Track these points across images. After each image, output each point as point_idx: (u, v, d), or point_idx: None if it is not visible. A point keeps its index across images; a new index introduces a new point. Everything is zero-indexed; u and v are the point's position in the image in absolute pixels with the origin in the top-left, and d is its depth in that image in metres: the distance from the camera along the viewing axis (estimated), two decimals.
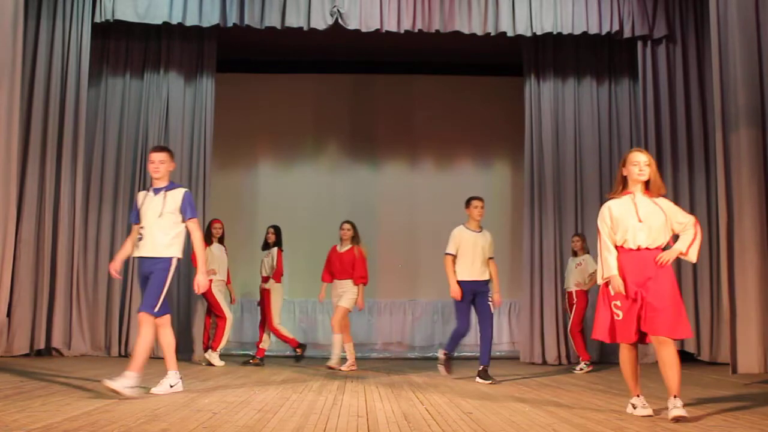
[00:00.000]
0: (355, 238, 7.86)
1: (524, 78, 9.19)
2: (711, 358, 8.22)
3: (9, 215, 7.02)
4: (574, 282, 7.99)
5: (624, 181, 4.46)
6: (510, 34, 8.42)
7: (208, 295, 7.97)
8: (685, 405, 4.09)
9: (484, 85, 10.52)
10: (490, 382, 6.24)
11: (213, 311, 8.06)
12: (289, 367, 7.67)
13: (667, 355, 4.16)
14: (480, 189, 10.49)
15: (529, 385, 6.09)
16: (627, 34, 8.59)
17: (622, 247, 4.36)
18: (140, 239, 5.17)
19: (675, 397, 4.07)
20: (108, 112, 8.87)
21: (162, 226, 5.17)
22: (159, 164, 5.29)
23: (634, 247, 4.31)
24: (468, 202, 6.74)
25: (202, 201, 8.77)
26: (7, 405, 4.36)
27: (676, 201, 8.70)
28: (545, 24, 8.42)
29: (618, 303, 4.28)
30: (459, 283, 6.56)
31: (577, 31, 8.52)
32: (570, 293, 8.06)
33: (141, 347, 4.98)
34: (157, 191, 5.30)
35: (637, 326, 4.22)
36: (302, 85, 10.53)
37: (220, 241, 8.15)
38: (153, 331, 5.05)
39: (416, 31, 8.34)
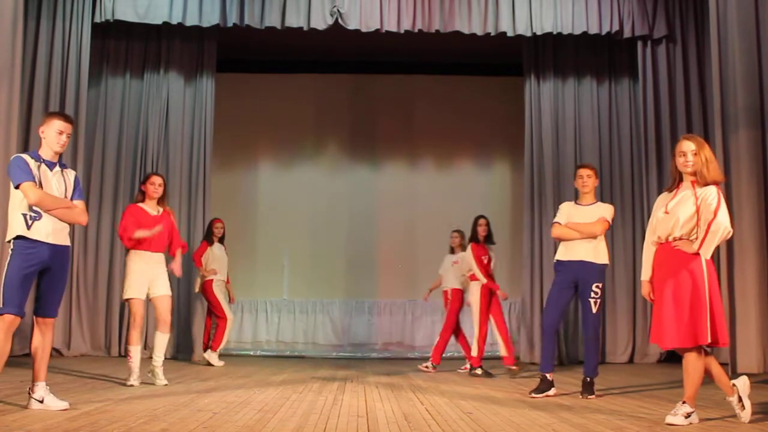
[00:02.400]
0: (165, 197, 6.10)
1: (524, 78, 9.18)
2: None
3: None
4: (449, 281, 7.88)
5: (680, 174, 4.17)
6: (510, 34, 8.41)
7: (208, 295, 7.97)
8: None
9: (484, 85, 10.52)
10: (593, 396, 5.29)
11: (213, 311, 8.06)
12: (289, 367, 7.67)
13: (684, 362, 4.07)
14: (480, 189, 10.58)
15: (529, 385, 6.08)
16: (627, 34, 8.58)
17: (657, 241, 4.19)
18: (36, 219, 4.21)
19: (683, 402, 4.02)
20: (108, 112, 8.86)
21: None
22: (67, 137, 4.38)
23: (662, 240, 4.13)
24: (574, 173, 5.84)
25: (202, 201, 8.78)
26: (7, 405, 4.36)
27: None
28: (545, 24, 8.41)
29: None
30: (557, 263, 5.57)
31: (577, 31, 8.51)
32: (445, 292, 7.94)
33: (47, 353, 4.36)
34: (51, 165, 4.35)
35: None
36: (302, 85, 10.53)
37: (221, 240, 8.15)
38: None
39: (416, 31, 8.33)
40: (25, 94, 8.06)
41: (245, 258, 9.34)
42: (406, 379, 6.68)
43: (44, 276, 4.27)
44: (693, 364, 4.02)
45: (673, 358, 8.53)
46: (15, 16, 6.99)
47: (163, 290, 5.88)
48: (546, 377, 5.45)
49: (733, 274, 6.92)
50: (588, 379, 5.39)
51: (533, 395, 5.36)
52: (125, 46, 8.97)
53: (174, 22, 8.30)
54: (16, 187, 4.23)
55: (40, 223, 4.20)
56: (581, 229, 5.45)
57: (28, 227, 4.18)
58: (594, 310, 5.41)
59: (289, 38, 8.91)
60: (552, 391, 5.42)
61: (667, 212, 4.13)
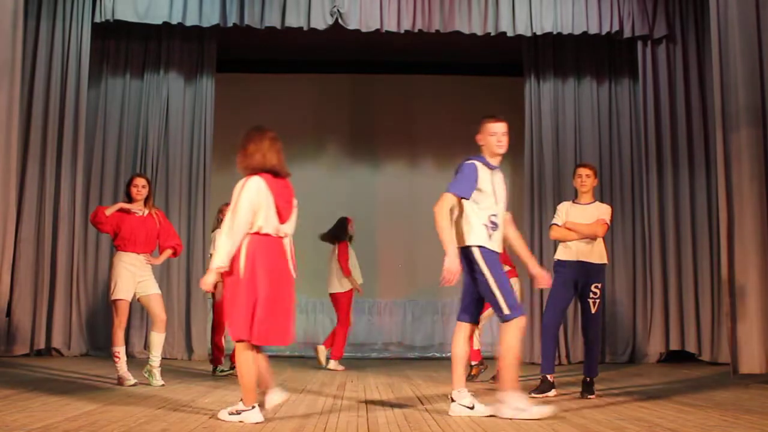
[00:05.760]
0: (151, 198, 6.03)
1: (524, 78, 9.18)
2: (712, 358, 8.22)
3: (9, 215, 7.01)
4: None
5: None
6: (510, 34, 8.41)
7: (347, 300, 7.88)
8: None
9: (484, 85, 10.51)
10: (593, 396, 5.26)
11: (342, 316, 7.93)
12: (289, 367, 7.67)
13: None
14: None
15: (530, 385, 6.07)
16: (627, 34, 8.58)
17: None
18: (494, 229, 4.31)
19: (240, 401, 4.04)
20: (108, 112, 8.86)
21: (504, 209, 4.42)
22: (503, 135, 4.37)
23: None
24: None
25: (202, 201, 8.77)
26: (7, 405, 4.36)
27: (677, 201, 8.70)
28: (545, 24, 8.41)
29: None
30: (557, 263, 5.57)
31: (577, 31, 8.51)
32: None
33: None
34: (494, 168, 4.41)
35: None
36: (302, 85, 10.52)
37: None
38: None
39: (416, 31, 8.33)
40: (25, 94, 8.06)
41: None
42: (406, 379, 6.68)
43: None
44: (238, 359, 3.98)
45: (673, 358, 8.54)
46: (15, 16, 6.99)
47: (153, 289, 5.81)
48: (546, 378, 5.45)
49: (734, 273, 6.91)
50: (588, 379, 5.39)
51: (533, 395, 5.35)
52: (125, 46, 8.97)
53: (174, 22, 8.30)
54: (448, 191, 4.33)
55: (496, 234, 4.30)
56: (580, 229, 5.46)
57: (489, 237, 4.29)
58: (593, 310, 5.40)
59: (289, 38, 8.90)
60: (552, 392, 5.42)
61: None
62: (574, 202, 5.72)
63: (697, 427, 3.92)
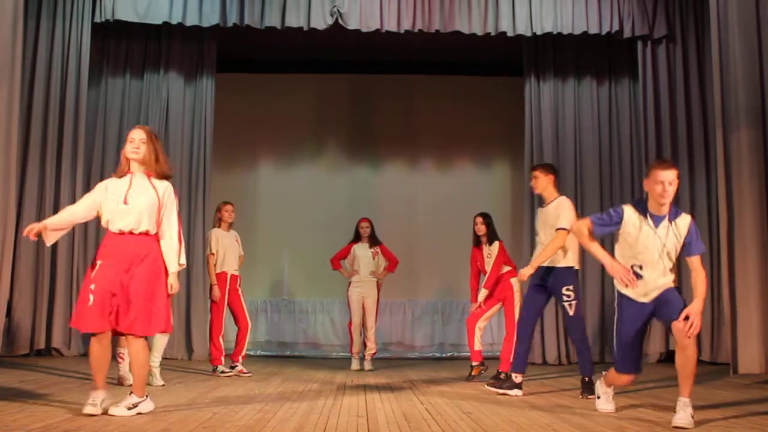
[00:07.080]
0: None
1: (524, 78, 9.18)
2: (711, 358, 8.22)
3: (9, 215, 7.02)
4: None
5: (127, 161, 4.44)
6: (510, 34, 8.41)
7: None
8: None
9: (484, 85, 10.51)
10: (593, 396, 4.99)
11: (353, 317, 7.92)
12: (288, 367, 7.67)
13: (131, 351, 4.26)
14: (480, 189, 10.57)
15: (529, 385, 6.08)
16: (627, 34, 8.58)
17: (107, 229, 4.36)
18: (638, 277, 4.09)
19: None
20: (108, 112, 8.85)
21: (664, 264, 4.13)
22: (669, 184, 4.03)
23: (116, 231, 4.32)
24: None
25: (202, 201, 8.78)
26: (7, 405, 4.36)
27: (676, 201, 8.67)
28: (545, 24, 8.41)
29: (93, 287, 4.18)
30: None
31: (577, 31, 8.51)
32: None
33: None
34: (657, 220, 4.10)
35: (112, 317, 4.12)
36: (302, 85, 10.52)
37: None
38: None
39: (416, 31, 8.33)
40: (25, 94, 8.05)
41: (245, 258, 9.31)
42: (406, 379, 6.68)
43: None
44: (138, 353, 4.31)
45: (673, 358, 8.51)
46: (15, 16, 7.00)
47: None
48: (514, 376, 5.46)
49: (734, 274, 6.92)
50: (586, 378, 5.39)
51: (489, 388, 5.48)
52: (125, 46, 8.97)
53: (174, 22, 8.30)
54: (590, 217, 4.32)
55: (640, 282, 4.13)
56: (546, 254, 5.39)
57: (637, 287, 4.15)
58: (571, 313, 5.42)
59: (289, 38, 8.90)
60: (514, 392, 5.39)
61: (126, 203, 4.40)
62: (540, 207, 5.70)
63: (697, 427, 3.92)
